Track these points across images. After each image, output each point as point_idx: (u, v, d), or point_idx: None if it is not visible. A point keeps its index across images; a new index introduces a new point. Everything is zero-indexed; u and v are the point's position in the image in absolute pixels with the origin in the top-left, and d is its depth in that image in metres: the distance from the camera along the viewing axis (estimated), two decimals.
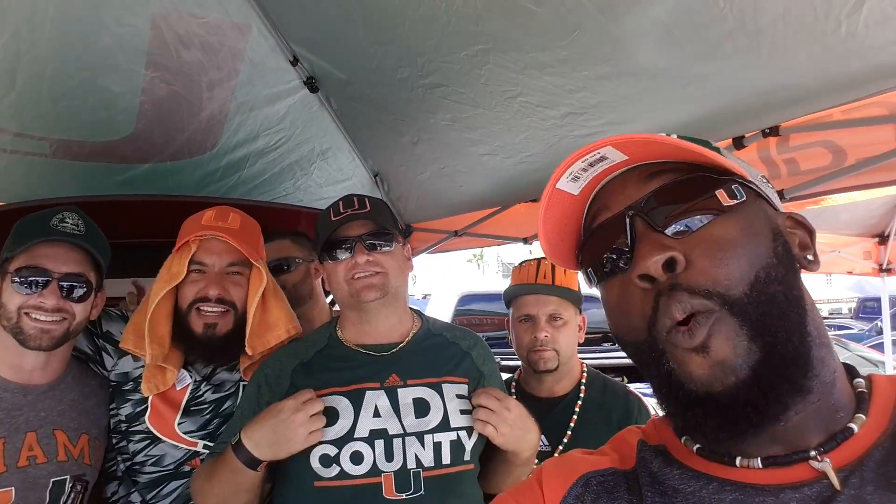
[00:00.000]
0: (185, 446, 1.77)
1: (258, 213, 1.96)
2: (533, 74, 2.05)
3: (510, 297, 2.08)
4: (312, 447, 1.49)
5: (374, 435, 1.51)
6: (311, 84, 2.71)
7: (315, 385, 1.53)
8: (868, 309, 16.53)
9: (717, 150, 0.71)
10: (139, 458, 1.77)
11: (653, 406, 2.06)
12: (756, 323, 0.61)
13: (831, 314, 21.01)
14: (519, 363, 2.13)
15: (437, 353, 1.67)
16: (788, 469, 0.63)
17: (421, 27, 2.05)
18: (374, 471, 1.48)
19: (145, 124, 2.49)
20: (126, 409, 1.77)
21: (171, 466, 1.77)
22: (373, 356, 1.61)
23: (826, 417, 0.64)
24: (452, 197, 3.35)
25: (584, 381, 2.03)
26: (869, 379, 0.70)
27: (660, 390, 0.68)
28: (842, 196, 2.96)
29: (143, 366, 1.77)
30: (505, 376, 1.96)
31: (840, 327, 15.07)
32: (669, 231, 0.66)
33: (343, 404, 1.53)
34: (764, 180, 0.73)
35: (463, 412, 1.59)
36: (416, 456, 1.51)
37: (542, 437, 1.76)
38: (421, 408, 1.56)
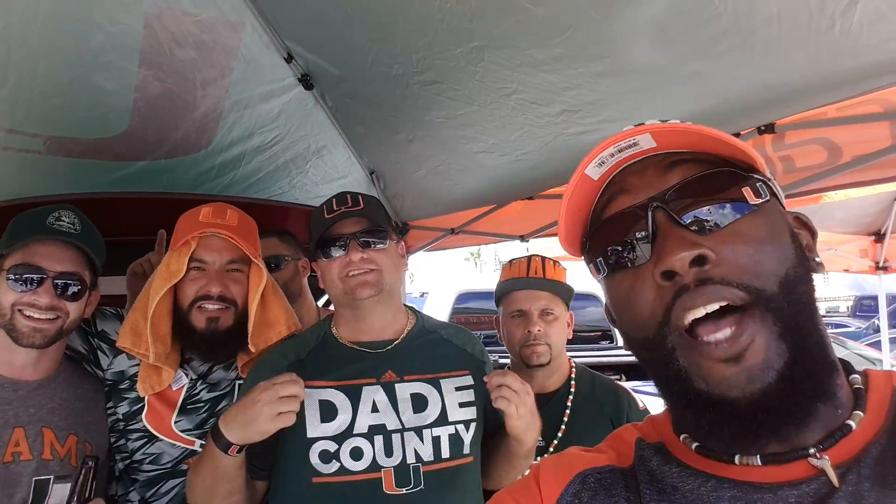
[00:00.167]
0: (183, 445, 1.77)
1: (252, 211, 1.95)
2: (528, 72, 2.04)
3: (501, 294, 2.10)
4: (312, 443, 1.49)
5: (374, 430, 1.51)
6: (306, 81, 2.71)
7: (310, 379, 1.52)
8: (865, 307, 16.58)
9: None
10: (137, 457, 1.77)
11: (641, 400, 2.09)
12: (789, 321, 0.60)
13: (829, 312, 21.06)
14: None
15: (432, 349, 1.67)
16: (787, 466, 0.63)
17: (415, 24, 2.04)
18: (374, 466, 1.48)
19: (139, 122, 2.48)
20: (123, 408, 1.77)
21: (169, 465, 1.77)
22: (368, 353, 1.61)
23: (826, 415, 0.64)
24: (448, 195, 3.34)
25: (573, 376, 2.06)
26: (865, 375, 0.70)
27: (667, 390, 0.67)
28: (837, 193, 2.96)
29: (139, 364, 1.77)
30: None
31: (837, 325, 15.12)
32: (694, 226, 0.64)
33: (340, 399, 1.53)
34: (772, 178, 0.72)
35: (462, 405, 1.60)
36: (416, 450, 1.52)
37: None
38: (419, 403, 1.56)
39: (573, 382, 2.04)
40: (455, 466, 1.54)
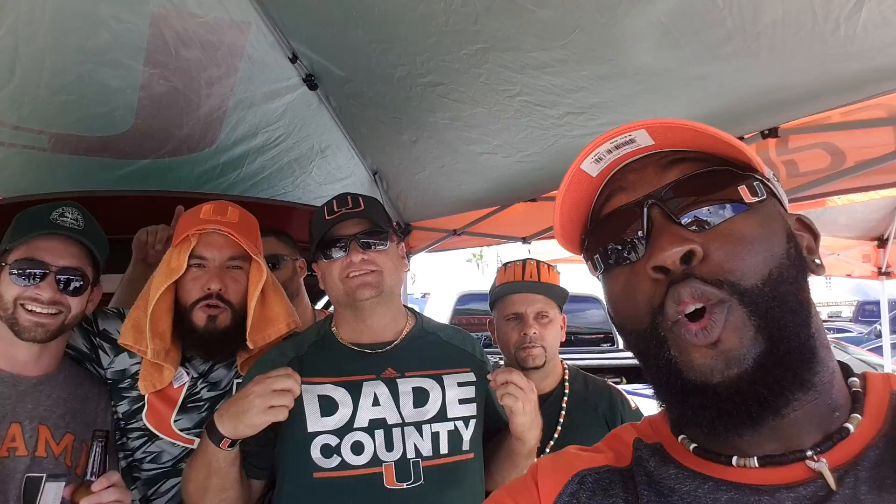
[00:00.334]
0: (182, 444, 1.77)
1: (255, 210, 1.95)
2: (532, 74, 2.04)
3: (497, 297, 2.11)
4: (313, 437, 1.48)
5: (374, 425, 1.51)
6: (311, 81, 2.71)
7: (310, 375, 1.53)
8: (867, 312, 16.53)
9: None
10: (138, 455, 1.77)
11: (633, 401, 2.12)
12: (765, 315, 0.61)
13: (831, 317, 21.00)
14: None
15: (432, 349, 1.68)
16: (784, 469, 0.63)
17: (420, 26, 2.05)
18: (375, 461, 1.48)
19: (144, 120, 2.49)
20: (123, 407, 1.77)
21: (169, 463, 1.77)
22: (367, 353, 1.61)
23: (823, 417, 0.64)
24: (451, 196, 3.34)
25: (566, 378, 2.08)
26: (863, 377, 0.70)
27: (658, 380, 0.67)
28: (840, 198, 2.96)
29: (140, 362, 1.77)
30: None
31: (839, 330, 15.08)
32: (688, 223, 0.65)
33: (340, 394, 1.53)
34: (775, 178, 0.72)
35: (462, 401, 1.60)
36: (415, 445, 1.52)
37: None
38: (420, 397, 1.56)
39: (567, 384, 2.06)
40: (455, 462, 1.54)
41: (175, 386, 1.78)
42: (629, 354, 0.74)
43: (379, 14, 2.12)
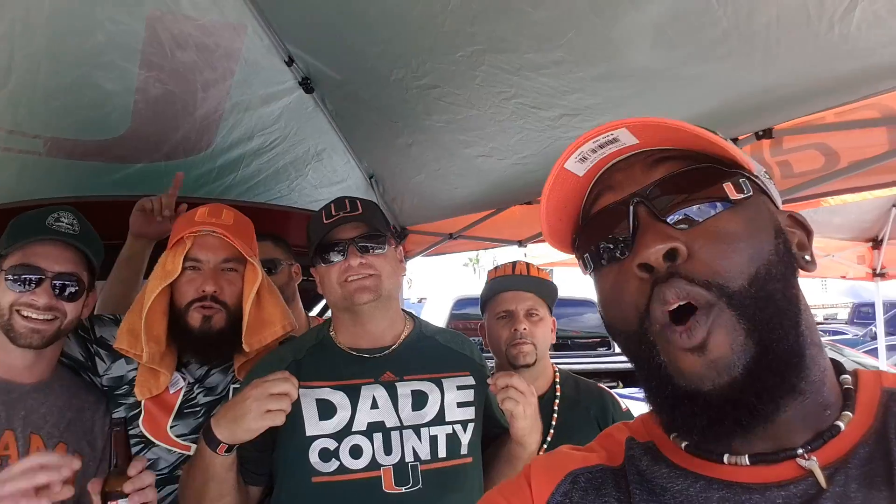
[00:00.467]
0: (179, 450, 1.76)
1: (251, 215, 1.95)
2: (528, 76, 2.05)
3: (488, 296, 2.13)
4: (311, 441, 1.48)
5: (372, 428, 1.51)
6: (307, 85, 2.71)
7: (307, 379, 1.52)
8: (863, 314, 16.57)
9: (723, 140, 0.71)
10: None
11: (623, 402, 2.13)
12: (753, 317, 0.61)
13: (826, 319, 21.05)
14: None
15: (430, 353, 1.67)
16: (775, 467, 0.63)
17: (416, 28, 2.05)
18: (374, 464, 1.48)
19: (140, 123, 2.48)
20: (120, 413, 1.75)
21: (166, 470, 1.75)
22: (366, 357, 1.61)
23: (814, 416, 0.64)
24: (447, 199, 3.35)
25: (557, 380, 2.09)
26: (855, 375, 0.70)
27: (648, 384, 0.67)
28: (833, 198, 2.98)
29: (136, 368, 1.76)
30: None
31: (835, 332, 15.12)
32: (673, 221, 0.65)
33: (338, 397, 1.53)
34: (766, 176, 0.72)
35: (460, 405, 1.60)
36: (414, 449, 1.51)
37: None
38: (419, 400, 1.56)
39: (558, 386, 2.07)
40: (453, 466, 1.54)
41: (171, 391, 1.77)
42: (625, 358, 0.74)
43: (375, 17, 2.12)
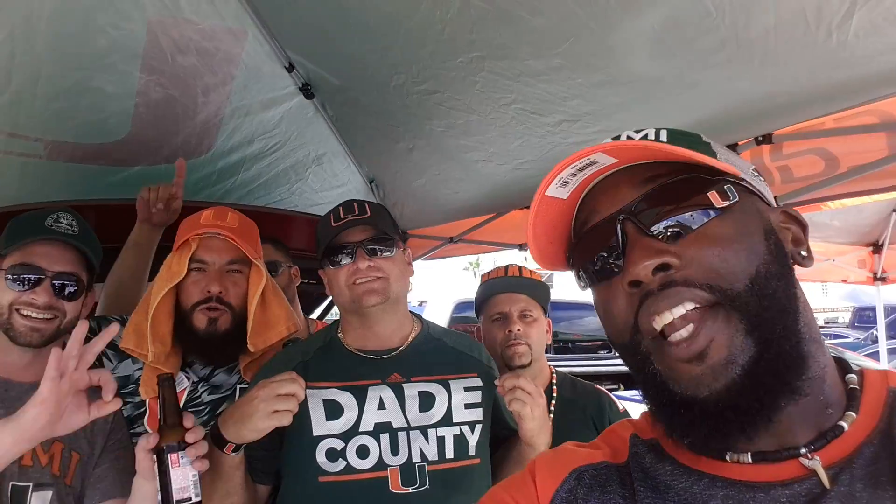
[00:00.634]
0: None
1: (252, 218, 1.96)
2: (527, 82, 2.05)
3: (482, 300, 2.16)
4: (318, 441, 1.48)
5: (379, 428, 1.51)
6: (307, 91, 2.72)
7: (315, 380, 1.53)
8: (864, 318, 16.56)
9: (707, 145, 0.71)
10: None
11: (621, 403, 2.15)
12: (755, 316, 0.61)
13: (827, 323, 21.03)
14: None
15: (438, 355, 1.68)
16: (779, 465, 0.63)
17: (416, 34, 2.06)
18: (381, 465, 1.48)
19: (140, 127, 2.49)
20: (125, 412, 1.77)
21: None
22: (373, 359, 1.62)
23: (815, 414, 0.64)
24: (448, 203, 3.35)
25: (554, 381, 2.11)
26: (861, 374, 0.70)
27: (646, 392, 0.68)
28: (833, 203, 2.98)
29: (142, 368, 1.77)
30: None
31: (836, 336, 15.11)
32: (661, 235, 0.65)
33: (345, 398, 1.53)
34: (755, 174, 0.73)
35: (468, 406, 1.60)
36: (421, 450, 1.52)
37: None
38: (426, 401, 1.57)
39: (555, 387, 2.08)
40: (461, 467, 1.54)
41: (176, 391, 1.78)
42: None
43: (375, 23, 2.13)
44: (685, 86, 1.83)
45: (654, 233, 0.65)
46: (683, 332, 0.62)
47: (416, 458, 1.51)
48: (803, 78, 1.67)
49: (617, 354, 0.72)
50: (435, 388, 1.59)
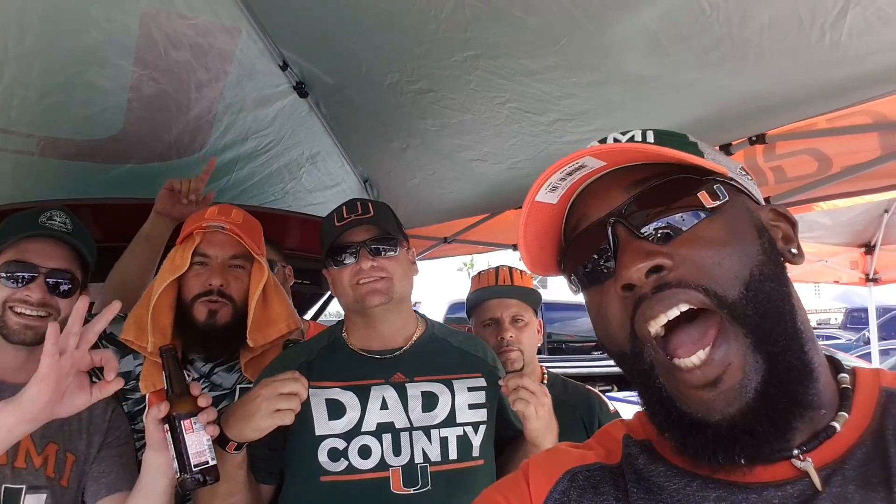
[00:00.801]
0: None
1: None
2: (522, 81, 2.05)
3: (473, 305, 2.16)
4: (320, 441, 1.48)
5: (382, 428, 1.51)
6: (301, 89, 2.72)
7: (318, 379, 1.53)
8: (856, 319, 16.66)
9: (693, 145, 0.71)
10: (139, 457, 1.76)
11: (612, 404, 2.16)
12: (758, 328, 0.61)
13: (819, 324, 21.14)
14: None
15: (442, 355, 1.67)
16: (771, 467, 0.63)
17: (410, 33, 2.05)
18: (382, 465, 1.48)
19: (133, 122, 2.47)
20: (126, 407, 1.79)
21: None
22: (377, 358, 1.62)
23: (808, 418, 0.64)
24: (442, 203, 3.35)
25: (546, 382, 2.11)
26: (853, 373, 0.70)
27: (652, 407, 0.67)
28: (825, 203, 2.99)
29: (142, 363, 1.78)
30: None
31: (828, 337, 15.19)
32: (652, 236, 0.65)
33: (347, 397, 1.53)
34: (743, 173, 0.73)
35: (472, 406, 1.59)
36: (423, 450, 1.51)
37: None
38: (429, 402, 1.56)
39: (546, 387, 2.09)
40: (464, 469, 1.54)
41: None
42: None
43: (369, 22, 2.12)
44: (680, 85, 1.83)
45: (645, 235, 0.65)
46: (695, 360, 0.62)
47: (418, 459, 1.50)
48: (797, 77, 1.68)
49: None
50: (438, 388, 1.59)
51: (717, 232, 0.64)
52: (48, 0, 1.97)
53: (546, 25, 1.75)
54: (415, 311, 1.78)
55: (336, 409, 1.52)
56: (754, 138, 2.20)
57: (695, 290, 0.62)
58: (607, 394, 2.21)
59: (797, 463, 0.62)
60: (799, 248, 0.70)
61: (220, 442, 1.41)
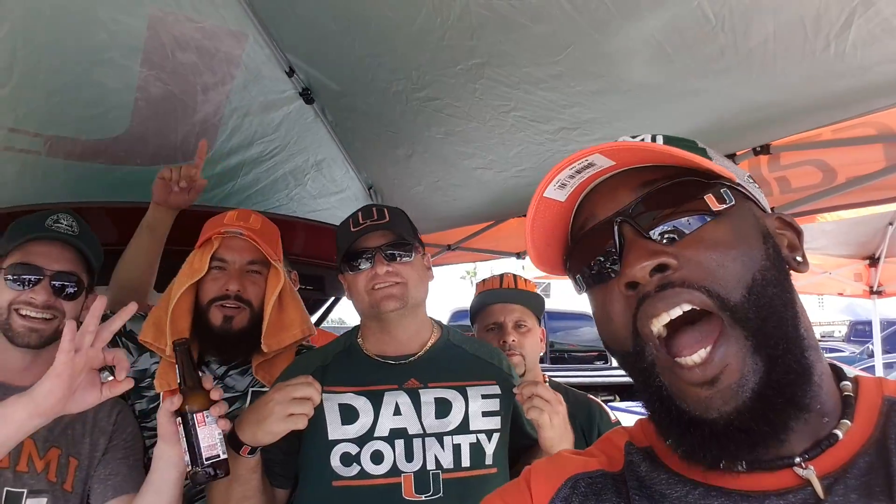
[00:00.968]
0: None
1: None
2: (527, 89, 2.06)
3: (477, 309, 2.18)
4: (333, 445, 1.49)
5: (395, 434, 1.51)
6: (307, 95, 2.73)
7: (332, 384, 1.53)
8: (860, 332, 16.58)
9: (703, 150, 0.71)
10: (150, 454, 1.77)
11: (613, 414, 2.15)
12: (759, 332, 0.61)
13: (823, 337, 21.04)
14: None
15: (456, 361, 1.67)
16: (773, 475, 0.63)
17: (417, 41, 2.06)
18: (395, 471, 1.48)
19: (140, 123, 2.49)
20: (140, 405, 1.81)
21: None
22: (391, 364, 1.62)
23: (812, 422, 0.64)
24: (446, 210, 3.35)
25: None
26: (856, 382, 0.70)
27: (651, 405, 0.68)
28: (830, 214, 2.99)
29: (159, 361, 1.80)
30: None
31: (832, 350, 15.12)
32: (658, 237, 0.65)
33: (361, 403, 1.54)
34: (750, 181, 0.73)
35: (485, 414, 1.59)
36: (436, 457, 1.51)
37: None
38: (442, 408, 1.56)
39: None
40: (477, 476, 1.53)
41: None
42: (622, 372, 0.74)
43: (375, 29, 2.13)
44: (684, 94, 1.84)
45: (652, 235, 0.66)
46: (696, 358, 0.62)
47: (430, 466, 1.50)
48: (801, 87, 1.68)
49: (613, 365, 0.71)
50: (452, 395, 1.58)
51: (723, 235, 0.64)
52: (56, 1, 1.99)
53: (551, 34, 1.76)
54: (431, 318, 1.78)
55: (349, 414, 1.52)
56: (759, 148, 2.20)
57: (698, 291, 0.62)
58: (609, 404, 2.20)
59: (799, 471, 0.62)
60: (804, 256, 0.71)
61: (233, 445, 1.41)
